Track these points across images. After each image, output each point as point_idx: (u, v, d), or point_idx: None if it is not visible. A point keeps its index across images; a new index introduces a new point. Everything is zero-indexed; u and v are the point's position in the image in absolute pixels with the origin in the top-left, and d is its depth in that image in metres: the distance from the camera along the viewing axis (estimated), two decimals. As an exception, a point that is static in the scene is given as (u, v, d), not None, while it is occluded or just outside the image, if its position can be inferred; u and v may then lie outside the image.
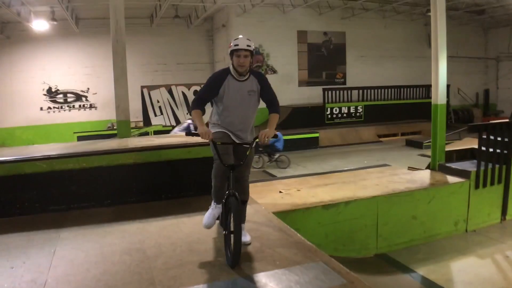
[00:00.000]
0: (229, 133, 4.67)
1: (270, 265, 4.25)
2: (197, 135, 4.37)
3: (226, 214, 4.42)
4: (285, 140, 17.21)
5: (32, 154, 6.61)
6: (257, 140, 4.51)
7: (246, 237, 4.75)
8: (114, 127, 16.60)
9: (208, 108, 4.69)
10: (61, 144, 8.53)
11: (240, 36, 4.59)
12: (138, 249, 4.84)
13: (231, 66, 4.60)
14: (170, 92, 20.96)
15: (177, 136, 8.54)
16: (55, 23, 18.04)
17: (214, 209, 4.70)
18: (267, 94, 4.72)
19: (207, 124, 4.69)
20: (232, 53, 4.49)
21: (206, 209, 4.88)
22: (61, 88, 20.88)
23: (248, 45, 4.47)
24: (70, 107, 21.14)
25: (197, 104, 4.53)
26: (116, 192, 6.59)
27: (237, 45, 4.45)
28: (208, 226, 4.71)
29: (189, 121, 11.79)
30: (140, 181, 6.71)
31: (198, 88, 19.57)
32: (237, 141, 4.68)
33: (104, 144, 7.69)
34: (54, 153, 6.54)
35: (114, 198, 6.55)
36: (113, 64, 8.73)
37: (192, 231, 5.30)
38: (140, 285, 3.95)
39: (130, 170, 6.65)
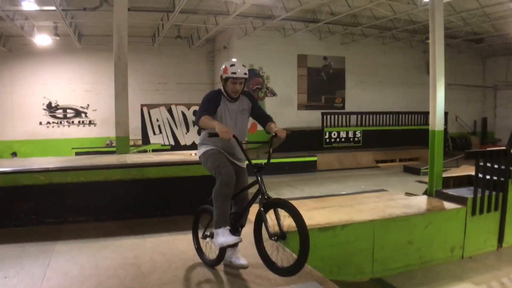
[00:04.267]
0: (224, 153, 4.56)
1: (265, 283, 4.25)
2: (216, 135, 4.12)
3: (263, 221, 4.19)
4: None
5: (30, 166, 6.64)
6: (275, 137, 4.41)
7: (242, 261, 4.67)
8: (113, 144, 16.60)
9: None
10: (59, 158, 8.54)
11: (234, 60, 4.50)
12: (133, 264, 4.82)
13: (223, 90, 4.57)
14: (170, 111, 20.95)
15: (176, 154, 8.55)
16: (57, 38, 18.15)
17: (225, 230, 4.31)
18: (259, 110, 4.76)
19: (199, 144, 4.67)
20: (228, 79, 4.43)
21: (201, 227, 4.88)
22: (61, 103, 20.95)
23: (245, 73, 4.43)
24: (69, 123, 21.18)
25: (204, 114, 4.34)
26: (113, 207, 6.60)
27: (235, 73, 4.38)
28: (234, 240, 4.29)
29: None
30: (137, 197, 6.71)
31: (197, 108, 19.56)
32: (234, 161, 4.61)
33: (103, 159, 7.71)
34: (52, 166, 6.56)
35: (111, 213, 6.56)
36: (114, 79, 8.79)
37: (187, 248, 5.28)
38: (134, 300, 3.93)
39: (128, 186, 6.66)
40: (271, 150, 4.43)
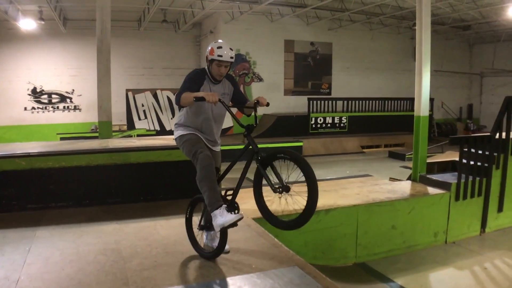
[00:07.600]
0: (201, 136, 4.51)
1: (245, 268, 4.24)
2: (203, 99, 3.99)
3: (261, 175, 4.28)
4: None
5: (12, 151, 6.55)
6: (257, 104, 4.41)
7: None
8: (98, 130, 16.49)
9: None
10: (41, 143, 8.47)
11: (221, 41, 4.43)
12: (114, 249, 4.79)
13: (207, 70, 4.49)
14: (155, 96, 20.84)
15: (159, 139, 8.49)
16: (42, 22, 17.88)
17: (222, 210, 4.09)
18: (240, 95, 4.75)
19: (175, 126, 4.63)
20: (213, 61, 4.35)
21: (184, 212, 4.73)
22: (46, 88, 20.66)
23: (231, 57, 4.34)
24: (55, 108, 20.91)
25: (186, 92, 4.20)
26: (95, 192, 6.56)
27: (221, 56, 4.29)
28: (234, 218, 4.05)
29: None
30: (119, 182, 6.67)
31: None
32: (208, 145, 4.54)
33: (85, 144, 7.65)
34: (33, 151, 6.48)
35: (92, 198, 6.51)
36: (97, 64, 8.73)
37: (168, 233, 5.27)
38: (114, 285, 3.90)
39: (110, 171, 6.61)
40: (255, 113, 4.43)
